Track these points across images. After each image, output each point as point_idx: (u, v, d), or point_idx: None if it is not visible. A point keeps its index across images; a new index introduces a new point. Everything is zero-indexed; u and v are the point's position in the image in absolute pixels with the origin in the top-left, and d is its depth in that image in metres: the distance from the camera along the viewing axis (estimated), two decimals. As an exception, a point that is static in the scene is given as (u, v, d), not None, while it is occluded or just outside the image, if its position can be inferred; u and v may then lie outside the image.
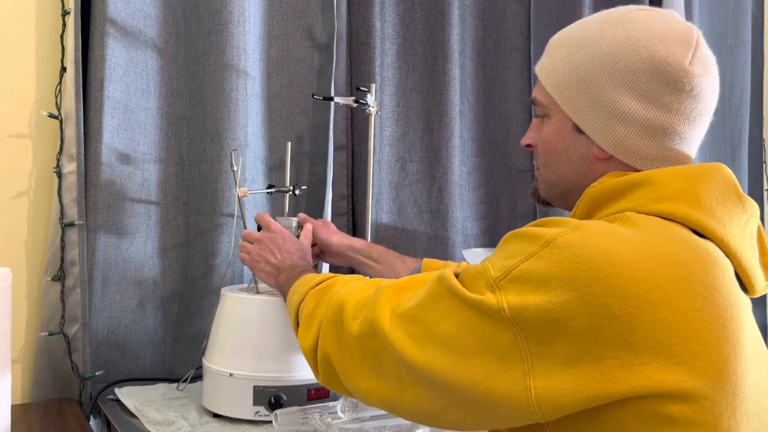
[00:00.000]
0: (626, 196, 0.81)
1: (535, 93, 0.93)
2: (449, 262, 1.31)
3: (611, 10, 0.89)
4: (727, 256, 0.77)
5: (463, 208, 1.80)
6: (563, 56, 0.88)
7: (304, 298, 1.00)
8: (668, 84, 0.82)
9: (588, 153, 0.87)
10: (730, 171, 0.83)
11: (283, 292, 1.14)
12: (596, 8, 1.87)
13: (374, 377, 0.83)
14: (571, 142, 0.88)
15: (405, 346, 0.77)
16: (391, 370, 0.80)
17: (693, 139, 0.86)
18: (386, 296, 0.83)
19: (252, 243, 1.24)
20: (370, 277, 1.26)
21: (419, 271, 1.29)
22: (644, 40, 0.83)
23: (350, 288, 0.92)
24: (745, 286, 0.79)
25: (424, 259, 1.32)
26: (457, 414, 0.76)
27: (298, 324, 1.00)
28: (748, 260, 0.79)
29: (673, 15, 0.87)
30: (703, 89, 0.84)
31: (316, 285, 1.00)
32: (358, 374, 0.85)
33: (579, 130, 0.87)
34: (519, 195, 1.88)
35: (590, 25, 0.88)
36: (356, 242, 1.35)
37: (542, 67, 0.92)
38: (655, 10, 0.87)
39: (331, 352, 0.89)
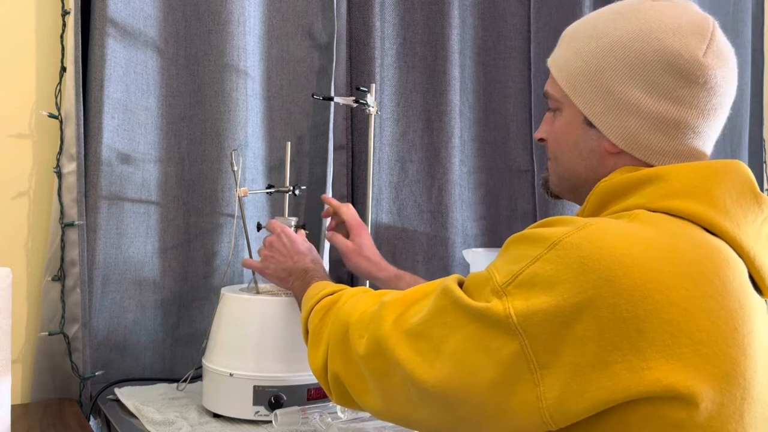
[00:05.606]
0: (637, 191, 0.79)
1: (547, 86, 0.91)
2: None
3: (625, 1, 0.86)
4: (740, 256, 0.75)
5: (463, 208, 1.80)
6: (575, 49, 0.86)
7: (310, 313, 0.99)
8: (681, 77, 0.80)
9: (599, 147, 0.85)
10: (747, 169, 0.80)
11: (297, 299, 1.14)
12: (596, 8, 1.87)
13: (383, 398, 0.82)
14: (582, 136, 0.87)
15: (414, 364, 0.75)
16: (401, 392, 0.78)
17: (708, 133, 0.83)
18: (391, 312, 0.81)
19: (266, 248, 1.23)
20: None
21: None
22: (657, 31, 0.80)
23: (354, 303, 0.90)
24: (759, 287, 0.76)
25: None
26: (471, 428, 0.75)
27: (308, 334, 0.99)
28: (761, 261, 0.76)
29: (688, 5, 0.84)
30: (719, 81, 0.81)
31: (319, 300, 0.99)
32: (368, 394, 0.84)
33: (590, 124, 0.85)
34: (519, 195, 1.88)
35: (602, 17, 0.86)
36: (383, 273, 1.31)
37: (554, 60, 0.90)
38: (670, 1, 0.84)
39: (341, 373, 0.88)
